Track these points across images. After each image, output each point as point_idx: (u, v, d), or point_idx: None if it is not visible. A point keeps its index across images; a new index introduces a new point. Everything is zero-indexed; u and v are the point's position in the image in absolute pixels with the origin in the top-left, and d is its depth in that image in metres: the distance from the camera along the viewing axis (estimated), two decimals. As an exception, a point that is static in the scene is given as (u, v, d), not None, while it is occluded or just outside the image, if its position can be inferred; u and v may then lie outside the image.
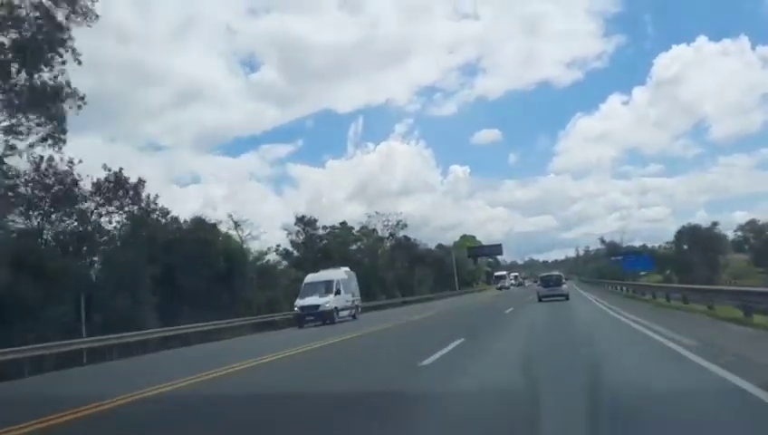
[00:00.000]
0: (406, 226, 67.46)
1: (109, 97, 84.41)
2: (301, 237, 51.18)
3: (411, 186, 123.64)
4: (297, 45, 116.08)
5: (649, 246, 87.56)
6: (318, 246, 51.06)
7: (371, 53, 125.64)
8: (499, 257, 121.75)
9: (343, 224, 59.44)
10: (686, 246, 71.33)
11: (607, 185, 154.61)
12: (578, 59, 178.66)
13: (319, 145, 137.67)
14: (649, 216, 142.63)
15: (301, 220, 52.03)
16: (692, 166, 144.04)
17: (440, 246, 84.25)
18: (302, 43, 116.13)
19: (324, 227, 54.52)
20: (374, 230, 64.21)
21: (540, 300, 29.44)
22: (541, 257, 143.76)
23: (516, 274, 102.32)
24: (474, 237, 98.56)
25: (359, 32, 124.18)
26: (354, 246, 57.71)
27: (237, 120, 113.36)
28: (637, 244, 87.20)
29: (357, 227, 61.26)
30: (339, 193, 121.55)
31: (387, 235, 66.21)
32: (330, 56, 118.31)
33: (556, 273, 34.81)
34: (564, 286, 30.78)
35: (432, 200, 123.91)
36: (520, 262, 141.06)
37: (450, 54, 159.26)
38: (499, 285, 77.20)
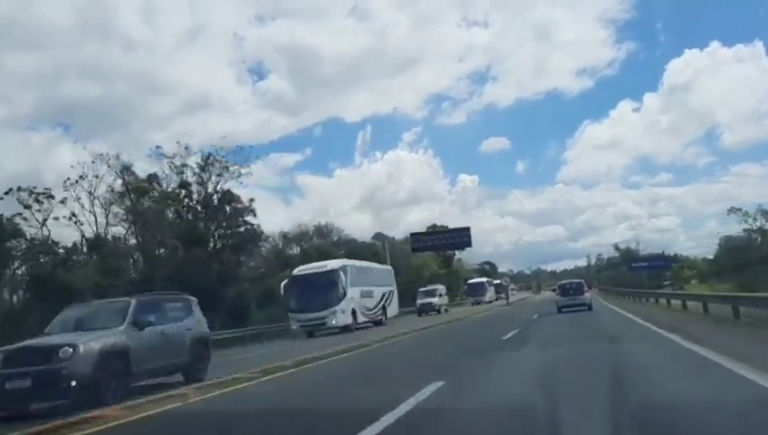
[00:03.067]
0: (228, 169, 34.04)
1: (116, 105, 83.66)
2: None
3: (419, 195, 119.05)
4: (305, 53, 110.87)
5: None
6: None
7: (380, 61, 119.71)
8: (500, 266, 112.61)
9: None
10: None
11: (616, 194, 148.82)
12: (588, 67, 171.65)
13: (327, 154, 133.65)
14: (660, 226, 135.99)
15: None
16: (703, 175, 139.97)
17: (379, 236, 55.75)
18: (309, 50, 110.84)
19: None
20: (154, 176, 33.06)
21: (559, 311, 26.83)
22: (548, 267, 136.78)
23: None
24: (446, 228, 74.26)
25: (367, 39, 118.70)
26: None
27: (245, 128, 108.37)
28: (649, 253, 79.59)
29: None
30: (346, 203, 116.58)
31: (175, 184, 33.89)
32: (338, 64, 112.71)
33: (577, 280, 32.05)
34: (586, 294, 28.25)
35: (440, 210, 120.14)
36: (527, 271, 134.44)
37: (459, 62, 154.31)
38: None
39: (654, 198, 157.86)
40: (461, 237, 51.28)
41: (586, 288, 29.05)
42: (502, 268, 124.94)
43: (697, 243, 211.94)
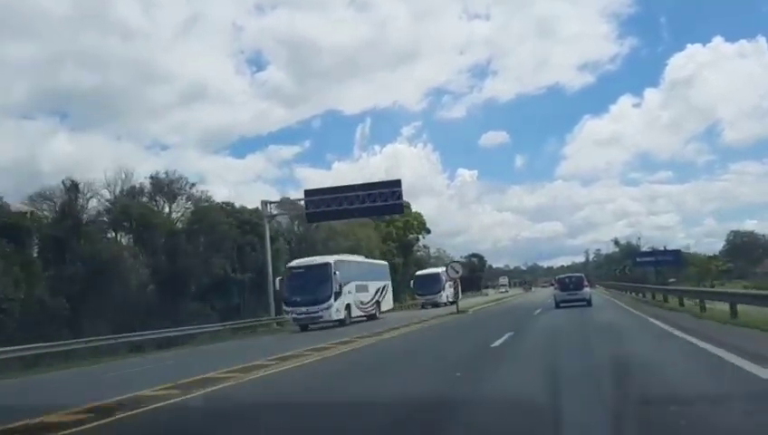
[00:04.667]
0: None
1: (114, 95, 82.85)
2: None
3: (417, 189, 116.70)
4: (304, 43, 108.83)
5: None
6: None
7: (380, 53, 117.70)
8: (497, 262, 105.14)
9: None
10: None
11: (616, 191, 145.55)
12: (590, 62, 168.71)
13: (325, 146, 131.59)
14: (658, 223, 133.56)
15: None
16: (702, 172, 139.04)
17: (285, 202, 38.26)
18: (309, 41, 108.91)
19: None
20: None
21: (557, 306, 26.23)
22: (545, 263, 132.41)
23: None
24: (421, 214, 59.48)
25: (367, 31, 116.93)
26: None
27: (243, 119, 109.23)
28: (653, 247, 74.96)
29: None
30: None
31: None
32: (337, 55, 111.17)
33: (577, 274, 30.78)
34: (586, 290, 27.52)
35: (438, 204, 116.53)
36: (523, 267, 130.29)
37: (460, 56, 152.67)
38: None
39: (653, 196, 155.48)
40: (386, 196, 29.99)
41: (586, 283, 28.59)
42: (498, 264, 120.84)
43: (696, 241, 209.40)
